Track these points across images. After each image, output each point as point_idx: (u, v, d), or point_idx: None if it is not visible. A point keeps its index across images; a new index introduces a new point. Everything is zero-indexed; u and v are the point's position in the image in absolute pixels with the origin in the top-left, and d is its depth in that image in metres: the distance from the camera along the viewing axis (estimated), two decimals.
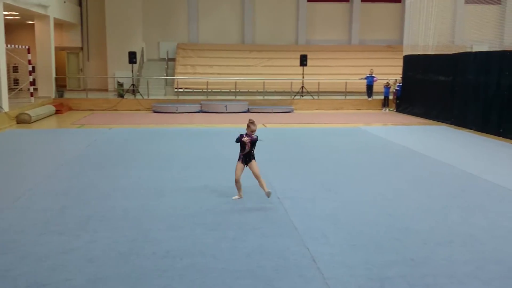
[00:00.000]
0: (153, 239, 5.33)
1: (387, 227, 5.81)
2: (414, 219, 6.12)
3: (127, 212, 6.27)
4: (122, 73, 22.80)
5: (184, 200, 6.83)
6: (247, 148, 6.74)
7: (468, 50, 20.94)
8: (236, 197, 6.93)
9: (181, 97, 21.22)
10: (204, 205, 6.60)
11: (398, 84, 20.40)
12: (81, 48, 26.30)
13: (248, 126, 6.76)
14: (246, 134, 6.77)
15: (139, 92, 21.16)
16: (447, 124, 15.81)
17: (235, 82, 21.82)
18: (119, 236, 5.42)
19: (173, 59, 25.26)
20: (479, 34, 21.29)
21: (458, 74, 15.67)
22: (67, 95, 21.37)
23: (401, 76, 20.32)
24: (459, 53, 16.47)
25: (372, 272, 4.52)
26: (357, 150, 11.21)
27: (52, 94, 20.34)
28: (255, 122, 6.81)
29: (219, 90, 22.61)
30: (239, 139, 6.75)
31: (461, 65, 15.57)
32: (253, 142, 6.77)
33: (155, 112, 19.14)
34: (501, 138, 12.97)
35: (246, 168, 6.76)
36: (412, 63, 19.15)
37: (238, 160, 6.82)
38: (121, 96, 20.76)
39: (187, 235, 5.45)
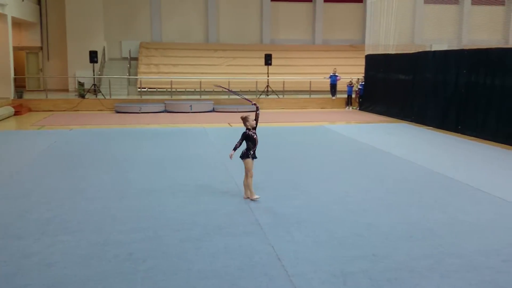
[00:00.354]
0: (115, 241, 5.23)
1: (350, 223, 5.89)
2: (376, 215, 6.23)
3: (88, 215, 6.13)
4: (83, 72, 22.32)
5: (147, 202, 6.74)
6: (257, 142, 6.71)
7: (428, 49, 21.56)
8: (257, 196, 6.78)
9: (144, 97, 20.95)
10: (168, 206, 6.53)
11: (360, 83, 20.76)
12: (41, 48, 25.60)
13: (247, 121, 6.70)
14: (249, 130, 6.71)
15: (100, 92, 20.76)
16: (407, 122, 16.20)
17: (200, 82, 21.70)
18: (79, 239, 5.30)
19: (136, 58, 24.92)
20: (438, 34, 21.95)
21: (418, 73, 16.07)
22: (27, 95, 20.73)
23: (363, 75, 20.68)
24: (418, 52, 16.90)
25: (335, 268, 4.58)
26: (322, 148, 11.35)
27: (11, 95, 19.71)
28: (247, 117, 6.75)
29: (183, 90, 22.45)
30: (246, 137, 6.67)
31: (420, 64, 15.97)
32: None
33: (117, 112, 18.82)
34: (459, 134, 13.38)
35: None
36: (374, 62, 19.52)
37: (247, 157, 6.70)
38: (82, 96, 20.32)
39: (150, 237, 5.38)
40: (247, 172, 6.77)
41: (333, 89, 21.85)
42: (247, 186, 6.85)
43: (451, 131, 13.84)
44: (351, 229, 5.69)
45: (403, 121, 16.45)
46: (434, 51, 16.66)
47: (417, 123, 15.76)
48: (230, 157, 6.69)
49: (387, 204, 6.71)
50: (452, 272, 4.51)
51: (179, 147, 11.23)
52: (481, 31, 26.50)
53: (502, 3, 28.42)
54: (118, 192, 7.24)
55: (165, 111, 19.20)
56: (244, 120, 6.78)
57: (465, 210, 6.48)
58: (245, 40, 27.22)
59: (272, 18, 27.68)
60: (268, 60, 22.09)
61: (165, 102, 19.65)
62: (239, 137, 6.77)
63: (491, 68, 12.47)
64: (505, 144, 11.63)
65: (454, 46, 20.98)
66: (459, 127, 13.65)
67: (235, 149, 6.69)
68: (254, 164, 6.80)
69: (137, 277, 4.38)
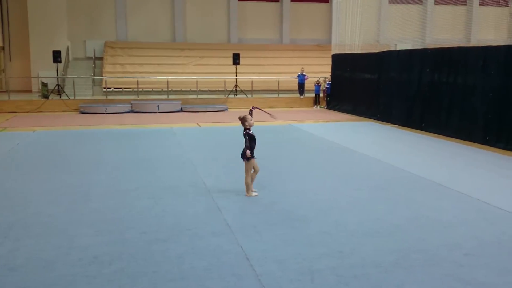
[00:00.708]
0: (79, 245, 5.12)
1: (318, 221, 5.95)
2: (344, 212, 6.31)
3: (52, 218, 5.98)
4: (47, 73, 21.76)
5: (113, 204, 6.62)
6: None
7: (392, 48, 21.97)
8: (256, 193, 6.97)
9: (110, 97, 20.60)
10: (134, 208, 6.43)
11: (327, 82, 20.99)
12: (2, 48, 24.83)
13: (246, 121, 6.83)
14: (249, 130, 6.82)
15: (64, 92, 20.31)
16: (373, 120, 16.48)
17: (167, 81, 21.50)
18: (43, 243, 5.16)
19: (101, 58, 24.49)
20: (402, 33, 22.41)
21: (383, 72, 16.36)
22: None
23: (330, 74, 20.91)
24: (383, 52, 17.20)
25: (303, 266, 4.61)
26: (290, 147, 11.41)
27: None
28: (245, 117, 6.88)
29: (150, 90, 22.19)
30: (250, 137, 6.79)
31: (385, 63, 16.26)
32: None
33: (82, 113, 18.43)
34: (423, 132, 13.70)
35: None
36: (340, 62, 19.76)
37: (251, 158, 6.83)
38: (46, 97, 19.82)
39: (116, 240, 5.28)
40: (249, 171, 6.87)
41: (301, 88, 22.03)
42: (248, 184, 6.95)
43: (416, 128, 14.15)
44: (319, 227, 5.73)
45: (370, 119, 16.72)
46: (399, 51, 17.03)
47: (383, 121, 16.05)
48: (250, 155, 6.81)
49: (354, 202, 6.81)
50: (416, 267, 4.61)
51: (146, 148, 11.09)
52: (444, 31, 27.24)
53: (464, 3, 29.27)
54: (83, 194, 7.09)
55: (132, 111, 18.93)
56: (243, 120, 6.87)
57: (429, 205, 6.64)
58: (213, 39, 27.11)
59: (240, 18, 27.68)
60: (236, 59, 22.07)
61: (132, 102, 19.37)
62: (243, 139, 6.85)
63: (453, 67, 12.81)
64: (467, 140, 11.97)
65: (418, 46, 21.43)
66: (423, 124, 13.97)
67: (250, 150, 6.80)
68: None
69: (102, 281, 4.30)
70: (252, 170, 6.98)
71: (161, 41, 26.35)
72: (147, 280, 4.32)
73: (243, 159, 6.91)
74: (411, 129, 14.25)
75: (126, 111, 18.84)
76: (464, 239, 5.35)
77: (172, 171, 8.69)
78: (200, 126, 14.99)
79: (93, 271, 4.50)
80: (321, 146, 11.53)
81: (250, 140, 6.82)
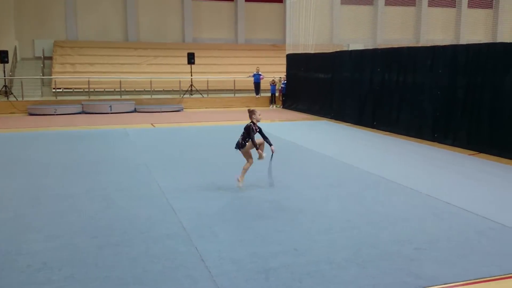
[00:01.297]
0: (28, 251, 4.92)
1: (273, 219, 5.97)
2: (298, 210, 6.36)
3: None
4: None
5: (62, 208, 6.41)
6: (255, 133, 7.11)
7: (345, 48, 22.40)
8: (240, 182, 7.22)
9: (60, 98, 19.98)
10: (85, 212, 6.25)
11: (283, 82, 21.16)
12: None
13: (253, 114, 7.16)
14: (253, 123, 7.11)
15: (12, 93, 19.52)
16: (327, 119, 16.75)
17: (120, 81, 21.05)
18: None
19: (50, 58, 23.70)
20: (354, 34, 22.88)
21: (336, 72, 16.66)
22: None
23: (285, 74, 21.09)
24: (336, 52, 17.52)
25: (258, 265, 4.62)
26: None
27: None
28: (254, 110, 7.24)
29: (102, 90, 21.67)
30: (248, 128, 7.09)
31: (338, 63, 16.56)
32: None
33: (31, 114, 17.78)
34: (375, 130, 14.04)
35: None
36: (295, 62, 19.98)
37: (244, 146, 7.13)
38: None
39: (66, 245, 5.11)
40: (247, 158, 7.21)
41: (257, 87, 22.11)
42: (244, 170, 7.25)
43: (368, 127, 14.49)
44: (274, 225, 5.76)
45: (324, 118, 16.98)
46: (351, 51, 17.38)
47: (336, 120, 16.34)
48: (242, 142, 7.18)
49: (309, 199, 6.89)
50: (368, 262, 4.71)
51: (97, 149, 10.81)
52: (394, 31, 28.01)
53: (413, 4, 30.21)
54: (31, 198, 6.83)
55: (83, 112, 18.42)
56: (251, 113, 7.16)
57: (381, 201, 6.80)
58: (167, 39, 26.78)
59: (194, 17, 27.46)
60: (191, 59, 21.89)
61: (83, 103, 18.85)
62: (242, 132, 7.16)
63: (403, 66, 13.20)
64: (417, 138, 12.36)
65: (370, 46, 21.95)
66: (375, 123, 14.32)
67: (254, 144, 7.11)
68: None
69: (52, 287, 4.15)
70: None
71: (113, 41, 25.78)
72: (99, 285, 4.21)
73: (239, 149, 7.20)
74: (364, 127, 14.58)
75: (77, 112, 18.32)
76: (414, 234, 5.52)
77: (125, 173, 8.50)
78: (154, 126, 14.76)
79: (42, 278, 4.34)
80: (277, 145, 11.54)
81: (250, 132, 7.06)
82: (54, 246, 5.08)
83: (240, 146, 7.20)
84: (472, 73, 10.83)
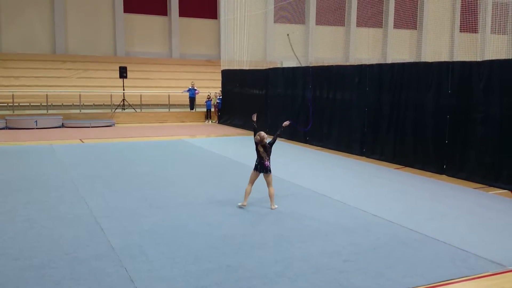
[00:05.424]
0: None
1: (206, 236, 5.91)
2: (231, 226, 6.36)
3: None
4: None
5: None
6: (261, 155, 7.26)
7: (278, 65, 22.84)
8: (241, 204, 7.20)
9: None
10: (5, 233, 5.88)
11: (218, 97, 21.20)
12: None
13: (264, 138, 7.46)
14: (264, 143, 7.34)
15: None
16: None
17: (46, 95, 20.14)
18: None
19: None
20: (287, 51, 23.38)
21: (270, 88, 16.93)
22: None
23: (221, 89, 21.15)
24: (270, 69, 17.82)
25: (190, 284, 4.54)
26: (180, 162, 11.30)
27: None
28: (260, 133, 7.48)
29: (27, 104, 20.65)
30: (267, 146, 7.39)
31: (272, 80, 16.86)
32: (266, 149, 7.33)
33: None
34: (307, 145, 14.37)
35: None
36: (230, 77, 20.10)
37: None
38: None
39: None
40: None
41: (192, 102, 22.00)
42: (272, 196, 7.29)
43: (301, 142, 14.80)
44: (206, 242, 5.70)
45: None
46: (283, 68, 17.72)
47: (270, 135, 16.42)
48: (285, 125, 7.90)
49: (242, 214, 6.89)
50: (299, 275, 4.77)
51: (21, 167, 10.24)
52: (325, 50, 28.99)
53: (342, 24, 31.46)
54: None
55: (6, 127, 17.43)
56: (262, 138, 7.50)
57: (311, 215, 6.94)
58: (98, 52, 26.03)
59: (127, 30, 26.93)
60: (123, 72, 21.40)
61: (6, 118, 17.84)
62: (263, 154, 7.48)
63: (333, 83, 13.65)
64: (346, 152, 12.78)
65: (302, 63, 22.56)
66: (307, 138, 14.65)
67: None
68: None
69: None
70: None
71: (40, 53, 24.69)
72: None
73: (267, 172, 7.28)
74: (297, 142, 14.87)
75: (0, 127, 17.29)
76: (343, 246, 5.67)
77: (50, 191, 8.10)
78: (83, 142, 14.24)
79: None
80: (212, 160, 11.57)
81: (268, 149, 7.41)
82: None
83: (269, 170, 7.31)
84: (396, 91, 11.39)
